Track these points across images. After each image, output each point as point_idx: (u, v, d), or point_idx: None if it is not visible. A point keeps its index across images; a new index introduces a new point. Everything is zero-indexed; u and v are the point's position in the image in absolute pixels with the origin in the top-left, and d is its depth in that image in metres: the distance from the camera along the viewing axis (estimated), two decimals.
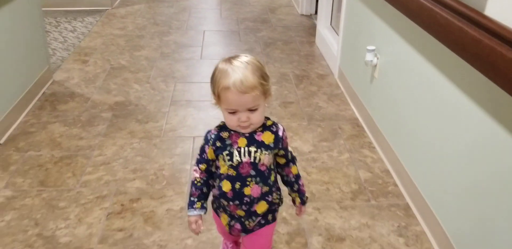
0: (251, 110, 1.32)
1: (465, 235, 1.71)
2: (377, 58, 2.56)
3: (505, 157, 1.45)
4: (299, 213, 1.60)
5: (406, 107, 2.21)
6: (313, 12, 4.92)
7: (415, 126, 2.12)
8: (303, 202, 1.56)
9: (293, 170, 1.51)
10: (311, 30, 4.47)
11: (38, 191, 2.20)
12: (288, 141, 1.45)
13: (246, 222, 1.46)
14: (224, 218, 1.49)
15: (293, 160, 1.51)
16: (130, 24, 4.63)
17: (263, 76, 1.31)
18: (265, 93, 1.32)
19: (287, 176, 1.52)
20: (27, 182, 2.26)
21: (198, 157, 1.46)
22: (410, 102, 2.16)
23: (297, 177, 1.53)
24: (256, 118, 1.34)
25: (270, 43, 4.18)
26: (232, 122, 1.34)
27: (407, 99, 2.20)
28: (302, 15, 5.00)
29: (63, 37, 4.17)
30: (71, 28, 4.40)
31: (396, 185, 2.29)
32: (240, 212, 1.44)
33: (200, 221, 1.46)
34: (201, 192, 1.46)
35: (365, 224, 2.04)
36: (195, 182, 1.46)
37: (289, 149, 1.49)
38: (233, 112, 1.32)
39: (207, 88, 2.77)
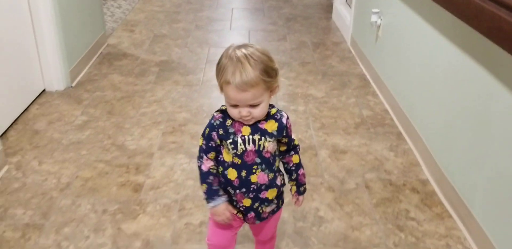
0: (253, 105, 1.28)
1: (442, 149, 2.26)
2: (381, 20, 3.11)
3: (480, 90, 2.00)
4: (297, 202, 1.54)
5: (404, 59, 2.76)
6: None
7: (411, 73, 2.66)
8: (299, 192, 1.51)
9: (294, 158, 1.47)
10: (329, 8, 5.02)
11: (107, 117, 2.80)
12: (292, 127, 1.44)
13: (260, 210, 1.44)
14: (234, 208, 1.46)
15: (295, 149, 1.47)
16: (167, 2, 5.24)
17: (268, 72, 1.25)
18: (269, 88, 1.28)
19: (287, 164, 1.48)
20: (98, 112, 2.86)
21: (204, 146, 1.39)
22: (407, 54, 2.72)
23: (297, 166, 1.48)
24: (258, 113, 1.30)
25: (291, 18, 4.74)
26: (234, 114, 1.31)
27: (405, 52, 2.75)
28: None
29: (111, 12, 4.79)
30: (117, 5, 5.02)
31: (392, 120, 2.85)
32: (246, 202, 1.41)
33: (230, 207, 1.42)
34: (219, 179, 1.42)
35: (364, 143, 2.60)
36: (211, 170, 1.40)
37: (293, 137, 1.45)
38: (235, 106, 1.29)
39: None
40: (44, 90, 3.10)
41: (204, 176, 1.39)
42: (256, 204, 1.41)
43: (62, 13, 3.00)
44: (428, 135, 2.38)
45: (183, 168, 2.34)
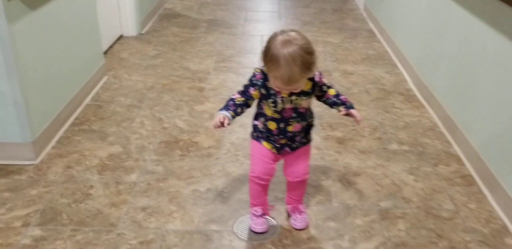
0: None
1: (426, 68, 3.10)
2: None
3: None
4: (354, 119, 1.68)
5: (402, 9, 3.61)
6: None
7: (407, 19, 3.51)
8: (348, 107, 1.67)
9: (330, 92, 1.67)
10: None
11: (173, 52, 3.70)
12: (324, 79, 1.65)
13: (292, 145, 1.71)
14: (268, 144, 1.71)
15: (329, 87, 1.67)
16: None
17: (310, 68, 1.45)
18: (309, 72, 1.49)
19: (328, 99, 1.68)
20: (165, 48, 3.76)
21: (242, 89, 1.64)
22: (407, 8, 3.56)
23: (336, 95, 1.68)
24: (298, 90, 1.55)
25: None
26: (276, 89, 1.55)
27: (406, 7, 3.60)
28: None
29: None
30: None
31: (390, 56, 3.68)
32: (283, 141, 1.69)
33: (227, 120, 1.59)
34: (236, 108, 1.63)
35: (368, 69, 3.45)
36: (235, 100, 1.63)
37: (325, 81, 1.65)
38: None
39: (269, 13, 4.28)
40: (121, 35, 4.01)
41: (227, 101, 1.64)
42: (290, 143, 1.71)
43: None
44: (412, 59, 3.23)
45: (232, 80, 3.21)
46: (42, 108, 2.31)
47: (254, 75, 1.61)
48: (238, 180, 2.16)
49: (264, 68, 1.53)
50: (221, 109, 1.63)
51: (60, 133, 2.48)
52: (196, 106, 2.83)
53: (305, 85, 1.57)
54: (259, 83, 1.60)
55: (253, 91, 1.62)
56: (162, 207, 1.98)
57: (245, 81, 1.66)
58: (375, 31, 4.26)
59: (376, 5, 4.29)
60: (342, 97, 1.69)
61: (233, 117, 1.63)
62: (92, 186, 2.10)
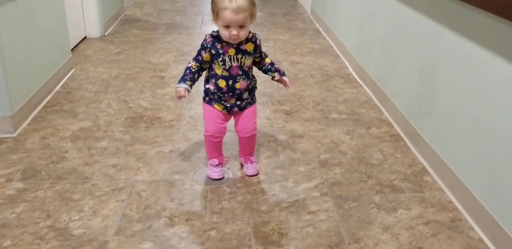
0: (241, 26, 1.77)
1: (362, 52, 3.49)
2: None
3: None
4: (284, 84, 2.00)
5: (343, 9, 4.01)
6: None
7: (347, 16, 3.91)
8: (280, 74, 2.00)
9: (267, 60, 2.01)
10: None
11: (134, 49, 3.98)
12: (263, 45, 2.08)
13: (241, 105, 1.98)
14: (219, 106, 1.98)
15: (265, 56, 2.00)
16: None
17: (252, 3, 1.76)
18: (252, 16, 1.77)
19: (264, 65, 2.00)
20: (127, 47, 4.04)
21: (195, 56, 1.92)
22: (347, 6, 3.97)
23: (271, 63, 2.01)
24: (243, 34, 1.80)
25: (265, 0, 6.02)
26: (225, 34, 1.79)
27: (341, 7, 4.01)
28: None
29: None
30: None
31: (334, 50, 4.07)
32: (232, 100, 1.96)
33: (187, 92, 1.89)
34: (193, 76, 1.91)
35: (313, 60, 3.82)
36: (191, 67, 1.92)
37: (263, 50, 1.98)
38: (227, 27, 1.77)
39: None
40: (85, 37, 4.29)
41: (184, 70, 1.93)
42: (239, 102, 1.97)
43: None
44: (351, 48, 3.61)
45: None
46: (19, 87, 2.56)
47: (204, 40, 1.89)
48: (197, 144, 2.46)
49: (213, 20, 1.83)
50: (179, 82, 1.92)
51: (34, 113, 2.73)
52: (158, 90, 3.13)
53: (249, 47, 1.89)
54: (209, 45, 1.87)
55: (204, 54, 1.89)
56: (130, 164, 2.26)
57: None
58: (321, 30, 4.66)
59: (321, 7, 4.70)
60: (276, 66, 2.02)
61: (191, 85, 1.93)
62: (66, 151, 2.36)
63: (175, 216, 1.89)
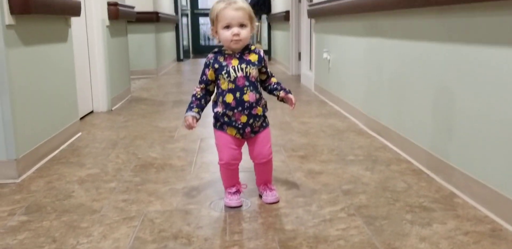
0: (241, 25, 1.76)
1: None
2: (329, 56, 4.52)
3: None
4: (290, 103, 1.94)
5: (344, 77, 4.10)
6: (299, 73, 6.98)
7: (353, 79, 3.99)
8: (286, 92, 1.93)
9: (273, 79, 1.95)
10: (298, 77, 6.50)
11: (142, 118, 4.00)
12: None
13: (254, 124, 1.86)
14: (231, 130, 1.87)
15: (271, 75, 1.95)
16: (172, 79, 6.68)
17: (249, 7, 1.79)
18: (251, 18, 1.78)
19: (270, 84, 1.93)
20: (134, 117, 4.06)
21: (200, 79, 1.87)
22: (346, 73, 4.07)
23: (277, 83, 1.95)
24: (244, 34, 1.77)
25: None
26: (227, 36, 1.76)
27: (344, 72, 4.10)
28: (292, 75, 7.07)
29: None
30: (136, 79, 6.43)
31: (341, 113, 4.09)
32: (243, 118, 1.83)
33: (195, 120, 1.85)
34: (199, 102, 1.87)
35: (323, 120, 3.82)
36: (196, 94, 1.87)
37: (268, 69, 1.93)
38: (227, 27, 1.76)
39: None
40: (92, 111, 4.32)
41: (191, 97, 1.90)
42: (251, 120, 1.85)
43: (110, 64, 4.35)
44: (359, 106, 3.62)
45: (201, 131, 3.50)
46: (26, 134, 2.50)
47: (206, 58, 1.87)
48: (211, 181, 2.34)
49: (212, 31, 1.84)
50: (186, 111, 1.87)
51: (39, 164, 2.64)
52: (167, 145, 3.06)
53: (253, 57, 1.85)
54: (211, 61, 1.84)
55: (208, 72, 1.85)
56: (141, 198, 2.12)
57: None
58: (326, 100, 4.71)
59: (325, 79, 4.80)
60: (282, 85, 1.98)
61: (199, 112, 1.88)
62: (73, 191, 2.24)
63: (192, 237, 1.73)
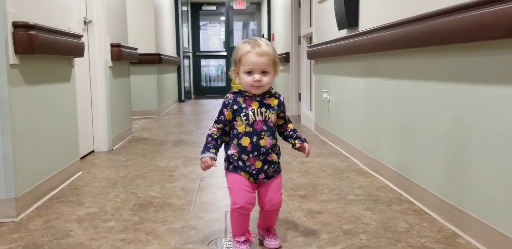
0: (263, 72, 1.72)
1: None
2: (329, 96, 4.57)
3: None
4: (305, 152, 1.88)
5: (344, 117, 4.14)
6: (299, 113, 7.02)
7: (353, 119, 4.02)
8: (302, 141, 1.88)
9: (290, 126, 1.90)
10: (299, 119, 6.53)
11: (142, 157, 4.00)
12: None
13: (268, 170, 1.80)
14: (245, 174, 1.80)
15: (289, 120, 1.89)
16: (173, 119, 6.71)
17: (275, 51, 1.75)
18: (275, 63, 1.74)
19: (286, 131, 1.89)
20: (135, 156, 4.07)
21: (216, 118, 1.80)
22: (346, 113, 4.10)
23: (294, 130, 1.91)
24: (266, 81, 1.73)
25: None
26: (248, 81, 1.72)
27: (344, 112, 4.14)
28: (292, 115, 7.11)
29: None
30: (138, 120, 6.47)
31: (342, 153, 4.09)
32: (258, 164, 1.77)
33: (214, 161, 1.78)
34: (216, 142, 1.79)
35: (323, 159, 3.81)
36: (212, 134, 1.80)
37: (287, 113, 1.89)
38: (249, 73, 1.72)
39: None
40: (93, 150, 4.33)
41: (207, 137, 1.82)
42: (266, 166, 1.80)
43: (111, 105, 4.40)
44: (359, 145, 3.63)
45: (201, 171, 3.49)
46: (26, 173, 2.50)
47: (226, 97, 1.82)
48: (211, 220, 2.32)
49: (234, 71, 1.81)
50: (203, 152, 1.80)
51: (38, 203, 2.63)
52: (167, 184, 3.05)
53: (273, 101, 1.81)
54: (230, 101, 1.79)
55: (226, 112, 1.78)
56: (139, 238, 2.10)
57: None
58: (326, 140, 4.73)
59: (326, 119, 4.83)
60: (298, 133, 1.92)
61: (216, 153, 1.81)
62: (71, 230, 2.22)
63: None
